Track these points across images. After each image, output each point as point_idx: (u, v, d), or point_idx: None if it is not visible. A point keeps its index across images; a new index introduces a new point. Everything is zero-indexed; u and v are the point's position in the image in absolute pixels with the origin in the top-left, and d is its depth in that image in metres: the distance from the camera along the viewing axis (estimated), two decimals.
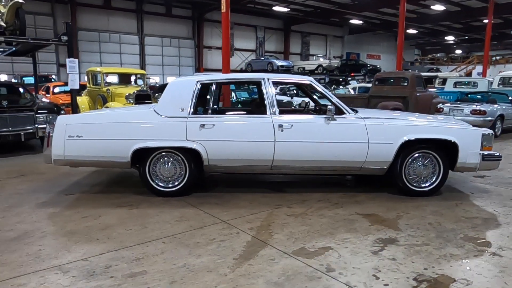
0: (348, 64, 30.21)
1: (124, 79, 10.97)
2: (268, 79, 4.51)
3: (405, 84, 11.85)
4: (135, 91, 9.27)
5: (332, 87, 18.22)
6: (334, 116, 4.37)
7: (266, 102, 4.42)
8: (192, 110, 4.35)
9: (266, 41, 31.73)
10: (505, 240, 3.30)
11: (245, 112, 4.96)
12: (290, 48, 32.84)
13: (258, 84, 4.51)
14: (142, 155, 4.36)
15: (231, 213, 3.92)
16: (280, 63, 26.97)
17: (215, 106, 4.44)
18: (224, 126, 4.34)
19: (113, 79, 10.68)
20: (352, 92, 17.09)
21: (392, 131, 4.40)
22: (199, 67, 27.65)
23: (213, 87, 4.53)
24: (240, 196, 4.51)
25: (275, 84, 4.64)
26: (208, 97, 4.44)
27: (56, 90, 13.98)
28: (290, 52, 32.85)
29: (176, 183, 4.44)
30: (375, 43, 39.32)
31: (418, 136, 4.38)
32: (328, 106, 4.30)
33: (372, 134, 4.37)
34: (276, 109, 4.40)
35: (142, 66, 25.42)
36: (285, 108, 6.10)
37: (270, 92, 4.46)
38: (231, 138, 4.32)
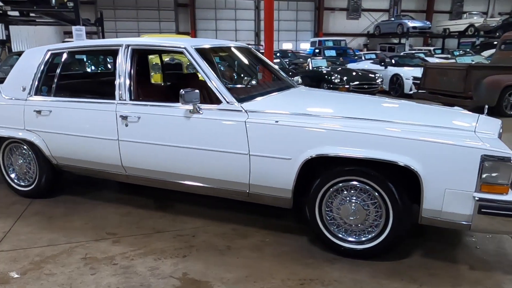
0: None
1: None
2: (128, 45, 3.01)
3: None
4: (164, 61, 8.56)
5: (457, 53, 14.05)
6: (200, 106, 2.66)
7: (116, 81, 2.98)
8: (33, 89, 3.26)
9: None
10: None
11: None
12: (435, 5, 27.17)
13: (115, 53, 3.08)
14: None
15: (17, 241, 2.80)
16: (412, 24, 22.64)
17: (68, 85, 3.26)
18: (62, 114, 3.12)
19: None
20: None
21: (288, 138, 2.44)
22: (318, 32, 25.44)
23: (65, 58, 3.28)
24: (100, 208, 3.29)
25: (139, 52, 3.10)
26: (58, 72, 3.25)
27: None
28: (435, 10, 27.21)
29: (31, 181, 3.50)
30: None
31: (334, 152, 2.32)
32: (181, 91, 2.59)
33: (256, 140, 2.51)
34: (127, 92, 2.92)
35: (258, 33, 24.78)
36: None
37: (123, 65, 2.97)
38: (68, 130, 3.10)
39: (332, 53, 16.10)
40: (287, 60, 15.10)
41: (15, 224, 3.05)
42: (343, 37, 23.37)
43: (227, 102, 2.64)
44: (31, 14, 8.86)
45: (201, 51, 2.90)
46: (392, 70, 11.15)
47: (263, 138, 2.50)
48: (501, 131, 2.58)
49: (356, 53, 17.78)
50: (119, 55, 3.01)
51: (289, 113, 2.55)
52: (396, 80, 10.91)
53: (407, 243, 2.66)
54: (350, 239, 2.47)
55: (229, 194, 2.79)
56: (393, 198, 2.30)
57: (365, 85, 9.76)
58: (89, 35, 21.47)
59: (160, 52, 3.01)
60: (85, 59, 3.71)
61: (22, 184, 3.53)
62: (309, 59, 11.86)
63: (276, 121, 2.48)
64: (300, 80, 9.71)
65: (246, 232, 2.89)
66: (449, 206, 2.18)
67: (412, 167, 2.17)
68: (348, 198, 2.42)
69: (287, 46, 24.82)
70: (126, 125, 2.87)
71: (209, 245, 2.71)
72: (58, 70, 3.25)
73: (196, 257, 2.55)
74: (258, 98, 2.81)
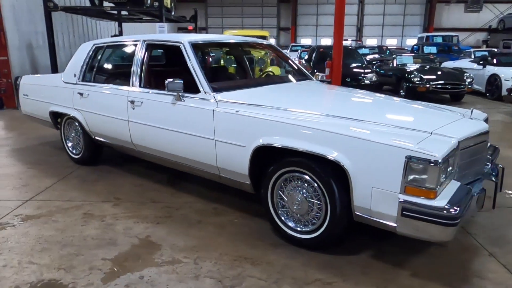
0: None
1: None
2: (144, 40, 3.53)
3: None
4: None
5: None
6: (183, 94, 3.02)
7: (131, 69, 3.51)
8: (81, 76, 4.01)
9: None
10: None
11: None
12: None
13: (136, 47, 3.58)
14: (59, 118, 4.44)
15: (43, 195, 3.52)
16: None
17: (103, 73, 3.91)
18: (94, 97, 3.79)
19: None
20: None
21: (243, 127, 2.65)
22: (428, 26, 23.43)
23: (104, 50, 3.94)
24: (122, 178, 3.91)
25: (153, 46, 3.56)
26: (97, 62, 3.93)
27: None
28: None
29: (80, 151, 4.30)
30: None
31: (272, 141, 2.46)
32: (166, 81, 2.95)
33: (220, 127, 2.78)
34: (137, 80, 3.44)
35: (360, 28, 23.95)
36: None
37: (138, 57, 3.49)
38: (97, 110, 3.77)
39: (432, 50, 14.81)
40: (378, 56, 14.49)
41: (58, 182, 3.84)
42: (457, 32, 21.16)
43: (204, 92, 2.94)
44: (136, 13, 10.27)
45: (196, 46, 3.25)
46: (490, 69, 9.91)
47: (225, 125, 2.74)
48: (478, 134, 2.39)
49: (464, 50, 16.00)
50: (136, 48, 3.54)
51: (253, 104, 2.74)
52: (494, 81, 9.67)
53: (370, 243, 2.64)
54: (292, 225, 2.59)
55: (206, 174, 3.11)
56: (331, 193, 2.33)
57: (449, 85, 8.90)
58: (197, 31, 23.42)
59: (165, 46, 3.43)
60: (119, 52, 4.37)
61: (74, 152, 4.36)
62: (394, 56, 11.22)
63: (237, 111, 2.70)
64: (374, 77, 9.41)
65: (223, 211, 3.17)
66: (377, 205, 2.16)
67: (339, 161, 2.20)
68: (295, 188, 2.53)
69: (391, 42, 23.51)
70: (133, 108, 3.38)
71: (184, 218, 3.07)
72: (97, 61, 3.94)
73: (166, 225, 2.94)
74: (237, 90, 3.04)
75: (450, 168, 2.19)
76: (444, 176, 2.08)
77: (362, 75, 9.32)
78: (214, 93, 2.91)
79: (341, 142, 2.21)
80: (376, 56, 15.70)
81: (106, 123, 3.71)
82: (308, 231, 2.52)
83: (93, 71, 3.94)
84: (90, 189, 3.65)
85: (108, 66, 4.12)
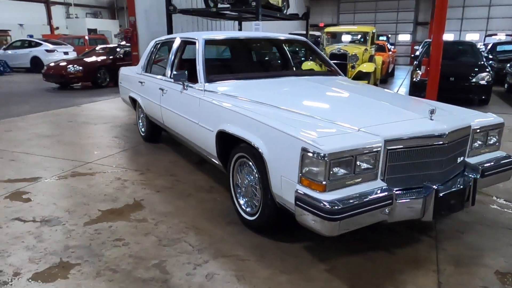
0: None
1: (362, 37, 10.34)
2: (180, 37, 4.10)
3: None
4: (331, 51, 8.96)
5: None
6: (188, 84, 3.48)
7: (167, 62, 4.14)
8: (144, 68, 4.84)
9: None
10: None
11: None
12: None
13: (174, 43, 4.15)
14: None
15: (108, 162, 4.42)
16: None
17: (154, 65, 4.64)
18: (146, 85, 4.56)
19: (347, 38, 10.39)
20: None
21: (213, 113, 2.96)
22: None
23: (160, 46, 4.66)
24: (166, 154, 4.62)
25: (183, 43, 4.07)
26: (154, 55, 4.67)
27: None
28: None
29: (145, 130, 5.19)
30: None
31: (225, 128, 2.71)
32: (174, 73, 3.45)
33: (201, 113, 3.17)
34: (168, 71, 4.04)
35: None
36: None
37: (172, 51, 4.08)
38: (146, 95, 4.53)
39: None
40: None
41: (119, 152, 4.78)
42: None
43: (200, 83, 3.35)
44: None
45: (210, 42, 3.66)
46: None
47: (204, 112, 3.11)
48: (419, 136, 2.21)
49: None
50: (174, 43, 4.15)
51: (227, 94, 3.03)
52: None
53: (320, 237, 2.67)
54: (244, 207, 2.80)
55: (201, 154, 3.52)
56: (264, 180, 2.48)
57: None
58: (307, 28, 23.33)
59: (191, 42, 3.90)
60: (167, 47, 5.06)
61: (142, 130, 5.29)
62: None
63: (212, 100, 3.03)
64: (488, 77, 8.27)
65: (215, 190, 3.54)
66: (286, 193, 2.24)
67: (258, 147, 2.35)
68: (246, 173, 2.74)
69: None
70: (162, 95, 4.01)
71: (181, 190, 3.55)
72: (154, 54, 4.72)
73: (163, 194, 3.47)
74: (229, 81, 3.33)
75: (367, 166, 2.12)
76: (344, 172, 2.04)
77: (472, 74, 8.17)
78: (206, 83, 3.29)
79: (258, 129, 2.36)
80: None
81: (151, 107, 4.46)
82: (252, 214, 2.71)
83: (150, 64, 4.75)
84: (135, 160, 4.45)
85: (158, 59, 4.88)
